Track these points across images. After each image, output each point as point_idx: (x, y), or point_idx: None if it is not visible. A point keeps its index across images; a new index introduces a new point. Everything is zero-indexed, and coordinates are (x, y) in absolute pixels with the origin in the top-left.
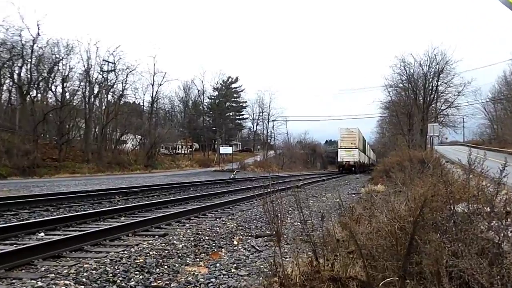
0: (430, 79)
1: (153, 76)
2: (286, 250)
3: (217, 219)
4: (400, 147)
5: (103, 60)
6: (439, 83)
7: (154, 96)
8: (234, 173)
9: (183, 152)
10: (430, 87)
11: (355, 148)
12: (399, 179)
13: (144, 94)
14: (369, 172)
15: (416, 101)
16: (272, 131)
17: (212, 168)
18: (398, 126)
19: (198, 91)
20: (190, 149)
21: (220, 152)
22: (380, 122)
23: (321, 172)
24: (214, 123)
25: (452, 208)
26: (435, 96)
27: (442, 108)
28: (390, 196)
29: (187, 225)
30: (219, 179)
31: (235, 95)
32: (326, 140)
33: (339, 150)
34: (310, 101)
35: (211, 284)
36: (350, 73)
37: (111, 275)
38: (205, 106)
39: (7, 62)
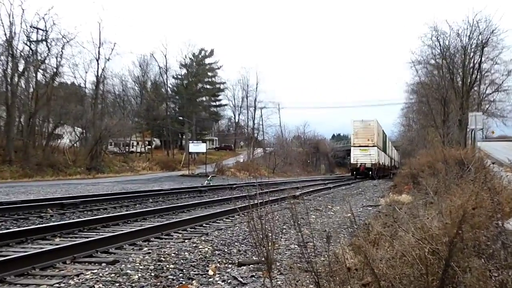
0: (471, 54)
1: (99, 48)
2: (279, 282)
3: (186, 240)
4: (431, 144)
5: (30, 27)
6: (482, 59)
7: (99, 75)
8: (209, 178)
9: (139, 150)
10: (471, 65)
11: (373, 146)
12: (431, 187)
13: (86, 73)
14: (390, 177)
15: (453, 83)
16: (260, 123)
17: (178, 172)
18: (429, 116)
19: (160, 68)
20: (149, 147)
21: (190, 150)
22: (405, 111)
23: (326, 178)
24: (182, 111)
25: (500, 225)
26: (478, 77)
27: (487, 92)
28: (418, 209)
29: (145, 248)
30: (188, 187)
31: (210, 73)
32: (333, 135)
33: (352, 148)
34: (311, 84)
35: None
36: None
37: None
38: (169, 89)
39: None
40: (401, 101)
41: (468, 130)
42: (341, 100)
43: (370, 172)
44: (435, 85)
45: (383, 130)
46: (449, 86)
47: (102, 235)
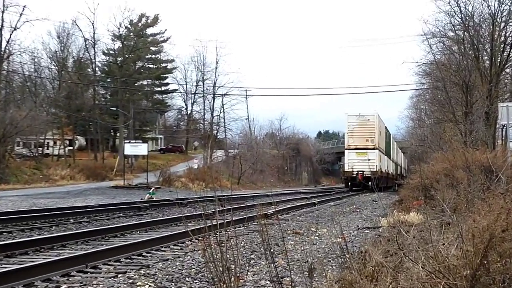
0: (502, 25)
1: (2, 13)
2: None
3: (120, 275)
4: (449, 145)
5: None
6: None
7: (3, 49)
8: (151, 191)
9: (57, 152)
10: (502, 39)
11: (373, 149)
12: (448, 202)
13: None
14: (395, 189)
15: (478, 63)
16: (222, 115)
17: (110, 183)
18: (446, 107)
19: (86, 40)
20: (70, 148)
21: (126, 153)
22: (414, 100)
23: (309, 190)
24: (115, 99)
25: None
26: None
27: None
28: (431, 232)
29: (64, 286)
30: (123, 203)
31: (153, 48)
32: (320, 133)
33: (346, 152)
34: (289, 66)
35: None
36: (359, 16)
37: None
38: (98, 69)
39: None
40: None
41: (498, 126)
42: (330, 85)
43: (370, 183)
44: (455, 66)
45: (386, 127)
46: (473, 67)
47: (5, 268)
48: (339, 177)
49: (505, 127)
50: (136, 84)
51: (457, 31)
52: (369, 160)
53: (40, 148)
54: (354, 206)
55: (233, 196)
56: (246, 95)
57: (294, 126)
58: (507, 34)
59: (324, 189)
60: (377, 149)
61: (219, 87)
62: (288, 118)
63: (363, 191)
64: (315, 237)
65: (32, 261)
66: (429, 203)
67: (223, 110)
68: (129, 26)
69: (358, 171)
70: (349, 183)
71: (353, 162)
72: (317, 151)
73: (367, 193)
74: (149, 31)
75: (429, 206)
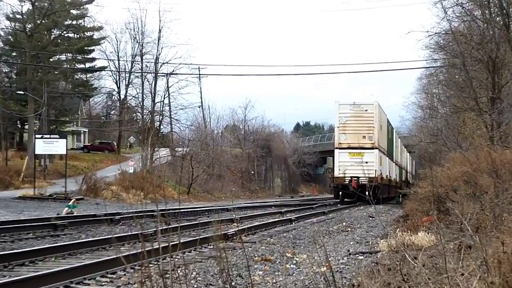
0: None
1: None
2: None
3: None
4: (471, 142)
5: None
6: None
7: None
8: (71, 204)
9: None
10: None
11: (372, 148)
12: (468, 218)
13: None
14: (398, 200)
15: (508, 33)
16: (167, 102)
17: (16, 192)
18: (466, 92)
19: None
20: None
21: (38, 151)
22: (424, 83)
23: (284, 201)
24: (22, 80)
25: None
26: None
27: None
28: (446, 258)
29: None
30: (34, 219)
31: (74, 12)
32: (298, 125)
33: (336, 152)
34: (255, 37)
35: None
36: None
37: None
38: None
39: None
40: (418, 64)
41: None
42: (310, 64)
43: (368, 193)
44: (477, 37)
45: (388, 120)
46: (502, 38)
47: None
48: (324, 184)
49: None
50: (51, 60)
51: None
52: (366, 163)
53: None
54: (344, 223)
55: (181, 211)
56: (200, 75)
57: (263, 117)
58: None
59: (304, 200)
60: (376, 148)
61: (163, 63)
62: (256, 105)
63: (357, 203)
64: (292, 266)
65: None
66: (444, 220)
67: (168, 94)
68: None
69: (351, 177)
70: (340, 193)
71: (345, 166)
72: (295, 150)
73: (361, 206)
74: None
75: (444, 224)
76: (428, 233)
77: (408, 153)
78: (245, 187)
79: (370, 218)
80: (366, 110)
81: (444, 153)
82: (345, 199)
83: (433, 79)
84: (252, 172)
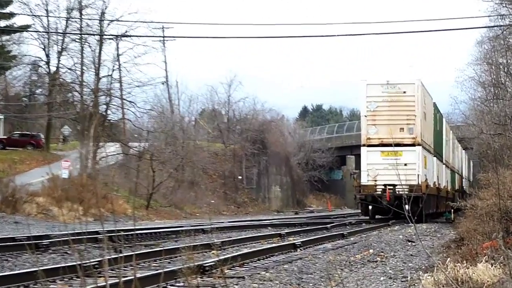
0: None
1: None
2: None
3: None
4: None
5: None
6: None
7: None
8: None
9: None
10: None
11: (414, 145)
12: None
13: None
14: (449, 217)
15: None
16: (116, 74)
17: None
18: None
19: None
20: None
21: None
22: (486, 50)
23: (285, 219)
24: None
25: None
26: None
27: None
28: None
29: None
30: None
31: None
32: (305, 109)
33: (363, 150)
34: None
35: None
36: None
37: None
38: None
39: None
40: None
41: None
42: (322, 25)
43: (408, 206)
44: None
45: (435, 105)
46: None
47: None
48: (342, 194)
49: None
50: None
51: None
52: (405, 165)
53: None
54: (372, 250)
55: (138, 232)
56: (164, 37)
57: (255, 98)
58: None
59: (313, 218)
60: (419, 145)
61: (112, 21)
62: (245, 82)
63: (390, 222)
64: None
65: None
66: None
67: (119, 66)
68: None
69: (385, 185)
70: (369, 207)
71: (376, 169)
72: (301, 146)
73: (396, 225)
74: None
75: None
76: (491, 265)
77: (463, 150)
78: (229, 198)
79: (409, 243)
80: (404, 92)
81: None
82: (376, 216)
83: (499, 44)
84: (240, 177)
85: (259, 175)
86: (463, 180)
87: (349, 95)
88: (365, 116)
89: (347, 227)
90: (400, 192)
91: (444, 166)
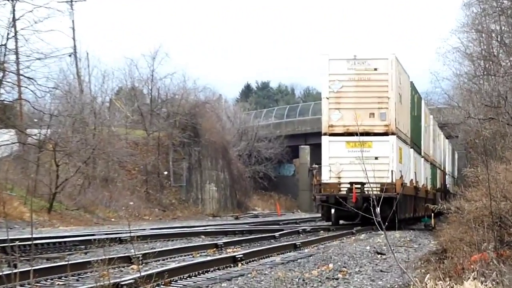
0: None
1: None
2: None
3: None
4: None
5: None
6: None
7: None
8: None
9: None
10: None
11: (387, 134)
12: None
13: None
14: (429, 223)
15: None
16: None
17: None
18: None
19: None
20: None
21: None
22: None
23: (223, 226)
24: None
25: None
26: None
27: None
28: None
29: None
30: None
31: None
32: (248, 88)
33: (325, 140)
34: None
35: None
36: None
37: None
38: None
39: None
40: None
41: None
42: None
43: (377, 209)
44: None
45: (412, 85)
46: None
47: None
48: (294, 194)
49: None
50: None
51: None
52: (376, 158)
53: None
54: (332, 265)
55: (38, 242)
56: None
57: (185, 74)
58: None
59: (258, 224)
60: (393, 134)
61: None
62: (173, 55)
63: (354, 229)
64: None
65: None
66: (509, 259)
67: (15, 33)
68: None
69: (351, 183)
70: (332, 210)
71: (340, 164)
72: (242, 133)
73: (363, 233)
74: None
75: (509, 265)
76: (481, 283)
77: (446, 140)
78: (152, 199)
79: (379, 256)
80: (375, 69)
81: (511, 139)
82: (340, 221)
83: (491, 6)
84: (166, 172)
85: (190, 171)
86: (446, 176)
87: (303, 71)
88: (327, 98)
89: (301, 235)
90: (369, 191)
91: (423, 159)
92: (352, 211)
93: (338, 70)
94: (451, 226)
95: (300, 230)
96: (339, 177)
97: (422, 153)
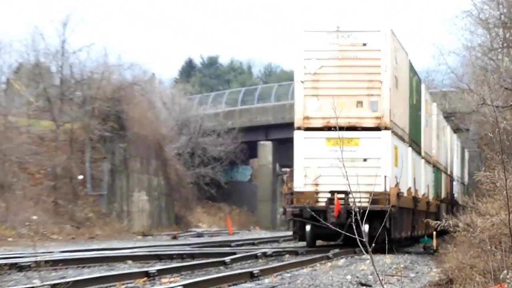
0: None
1: None
2: None
3: None
4: None
5: None
6: None
7: None
8: None
9: None
10: None
11: (379, 129)
12: None
13: None
14: (430, 244)
15: None
16: None
17: None
18: None
19: None
20: None
21: None
22: None
23: (155, 246)
24: None
25: None
26: None
27: None
28: None
29: None
30: None
31: None
32: (190, 64)
33: (299, 136)
34: None
35: None
36: None
37: None
38: None
39: None
40: None
41: None
42: None
43: (364, 226)
44: None
45: (411, 64)
46: None
47: None
48: (252, 206)
49: None
50: None
51: None
52: (365, 160)
53: None
54: None
55: None
56: None
57: (106, 47)
58: None
59: (203, 244)
60: (387, 129)
61: None
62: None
63: (332, 252)
64: None
65: None
66: None
67: None
68: None
69: (332, 191)
70: (308, 228)
71: (318, 167)
72: (182, 125)
73: (342, 256)
74: None
75: None
76: None
77: (453, 135)
78: (63, 213)
79: None
80: (364, 45)
81: None
82: (317, 241)
83: None
84: (81, 177)
85: (113, 174)
86: (454, 183)
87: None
88: (302, 82)
89: (260, 261)
90: (357, 204)
91: (423, 161)
92: (333, 229)
93: (316, 46)
94: (459, 248)
95: (259, 254)
96: (317, 184)
97: (423, 153)
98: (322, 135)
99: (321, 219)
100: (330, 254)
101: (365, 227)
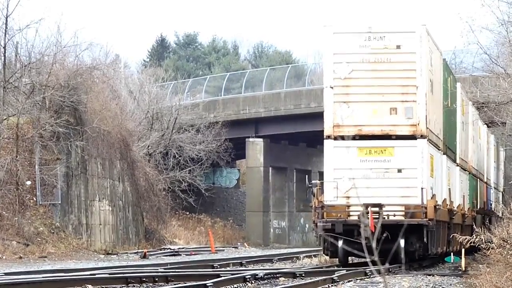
0: None
1: None
2: None
3: None
4: None
5: None
6: None
7: None
8: None
9: None
10: None
11: (414, 138)
12: None
13: None
14: (458, 262)
15: None
16: None
17: None
18: None
19: None
20: None
21: None
22: None
23: (120, 268)
24: None
25: None
26: None
27: None
28: None
29: None
30: None
31: None
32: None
33: (329, 146)
34: None
35: None
36: None
37: None
38: None
39: None
40: None
41: None
42: None
43: (403, 242)
44: None
45: (445, 63)
46: None
47: None
48: (239, 217)
49: None
50: None
51: None
52: (400, 171)
53: None
54: None
55: None
56: None
57: (59, 22)
58: None
59: (179, 265)
60: (423, 137)
61: None
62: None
63: (337, 274)
64: None
65: None
66: None
67: None
68: None
69: (366, 205)
70: (340, 243)
71: (350, 178)
72: (153, 118)
73: (351, 279)
74: None
75: None
76: None
77: (489, 133)
78: (7, 227)
79: None
80: (398, 47)
81: None
82: (350, 258)
83: None
84: (29, 182)
85: (68, 179)
86: (488, 189)
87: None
88: (331, 87)
89: (248, 284)
90: (392, 218)
91: (458, 169)
92: (366, 244)
93: (346, 48)
94: (492, 269)
95: (248, 276)
96: (348, 197)
97: (458, 160)
98: (354, 144)
99: (355, 234)
100: (335, 276)
101: (401, 242)
